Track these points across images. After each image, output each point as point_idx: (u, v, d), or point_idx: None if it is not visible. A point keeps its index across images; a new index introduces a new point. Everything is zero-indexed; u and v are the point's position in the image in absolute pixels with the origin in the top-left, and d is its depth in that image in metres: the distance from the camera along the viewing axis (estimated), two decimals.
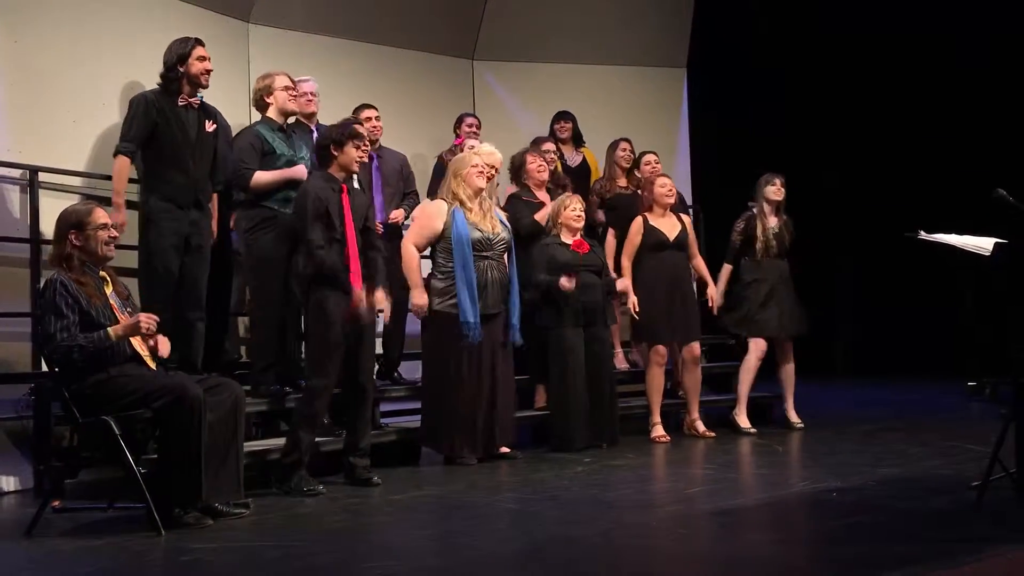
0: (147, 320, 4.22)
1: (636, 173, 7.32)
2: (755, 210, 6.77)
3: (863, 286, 11.14)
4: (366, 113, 6.27)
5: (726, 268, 6.77)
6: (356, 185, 5.37)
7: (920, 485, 4.61)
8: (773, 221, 6.75)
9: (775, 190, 6.74)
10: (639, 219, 6.58)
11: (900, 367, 10.34)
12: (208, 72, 5.30)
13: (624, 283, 6.39)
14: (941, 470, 4.95)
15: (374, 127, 6.23)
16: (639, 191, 7.16)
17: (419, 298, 5.70)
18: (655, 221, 6.56)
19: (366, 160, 5.29)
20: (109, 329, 4.17)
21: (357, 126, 5.21)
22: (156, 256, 5.14)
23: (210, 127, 5.34)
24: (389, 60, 7.89)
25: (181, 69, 5.19)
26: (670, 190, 6.62)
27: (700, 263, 6.80)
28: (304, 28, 7.42)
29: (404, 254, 5.73)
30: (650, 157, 7.15)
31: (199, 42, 5.26)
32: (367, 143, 5.23)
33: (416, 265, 5.73)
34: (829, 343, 11.20)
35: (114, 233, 4.37)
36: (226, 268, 5.86)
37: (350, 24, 7.66)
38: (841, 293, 11.41)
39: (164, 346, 4.41)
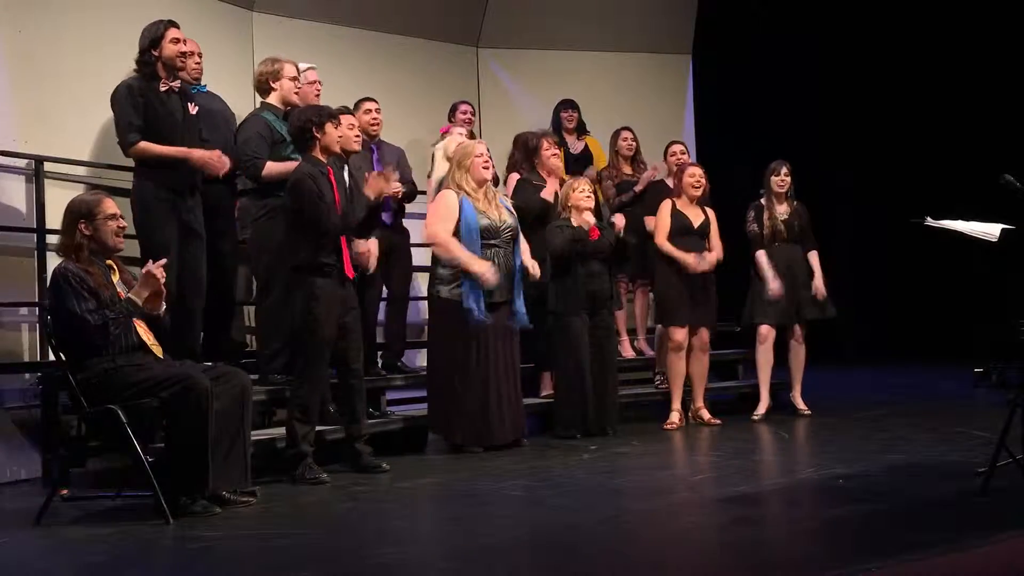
0: (156, 269, 4.21)
1: (640, 161, 7.33)
2: (762, 200, 6.77)
3: (868, 271, 11.12)
4: (366, 106, 6.24)
5: (761, 254, 6.65)
6: (346, 175, 5.32)
7: (926, 471, 4.62)
8: (781, 208, 6.75)
9: (778, 180, 6.73)
10: (668, 202, 6.58)
11: (906, 353, 10.33)
12: (183, 54, 5.17)
13: (689, 257, 6.34)
14: (947, 456, 4.95)
15: (374, 120, 6.22)
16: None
17: (480, 265, 5.56)
18: (682, 208, 6.56)
19: (357, 147, 5.22)
20: (129, 295, 4.20)
21: (327, 108, 5.15)
22: (157, 244, 5.10)
23: (192, 110, 5.25)
24: (393, 48, 7.88)
25: (155, 53, 5.06)
26: (699, 180, 6.58)
27: (716, 252, 6.66)
28: (308, 16, 7.40)
29: (441, 240, 5.62)
30: (676, 148, 7.16)
31: (172, 24, 5.10)
32: (353, 123, 5.17)
33: (457, 244, 5.61)
34: (834, 329, 11.18)
35: (123, 223, 4.37)
36: (231, 256, 5.85)
37: (354, 12, 7.65)
38: (845, 278, 11.39)
39: (157, 270, 4.31)
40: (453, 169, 5.84)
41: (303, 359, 5.05)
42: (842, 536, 3.55)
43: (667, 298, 6.48)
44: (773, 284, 6.59)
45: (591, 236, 6.18)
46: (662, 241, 6.49)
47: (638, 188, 7.17)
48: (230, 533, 3.89)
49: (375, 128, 6.23)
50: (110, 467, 4.92)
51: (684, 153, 7.16)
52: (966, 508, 3.87)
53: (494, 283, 5.59)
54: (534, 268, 5.92)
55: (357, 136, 5.28)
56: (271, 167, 5.53)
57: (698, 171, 6.65)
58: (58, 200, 4.98)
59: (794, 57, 10.53)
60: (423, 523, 4.27)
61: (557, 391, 6.27)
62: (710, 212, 6.67)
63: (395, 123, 6.67)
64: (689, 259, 6.39)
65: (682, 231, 6.50)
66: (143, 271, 4.28)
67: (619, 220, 6.35)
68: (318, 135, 5.03)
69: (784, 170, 6.76)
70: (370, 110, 6.22)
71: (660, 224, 6.53)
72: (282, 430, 5.36)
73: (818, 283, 6.73)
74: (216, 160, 5.14)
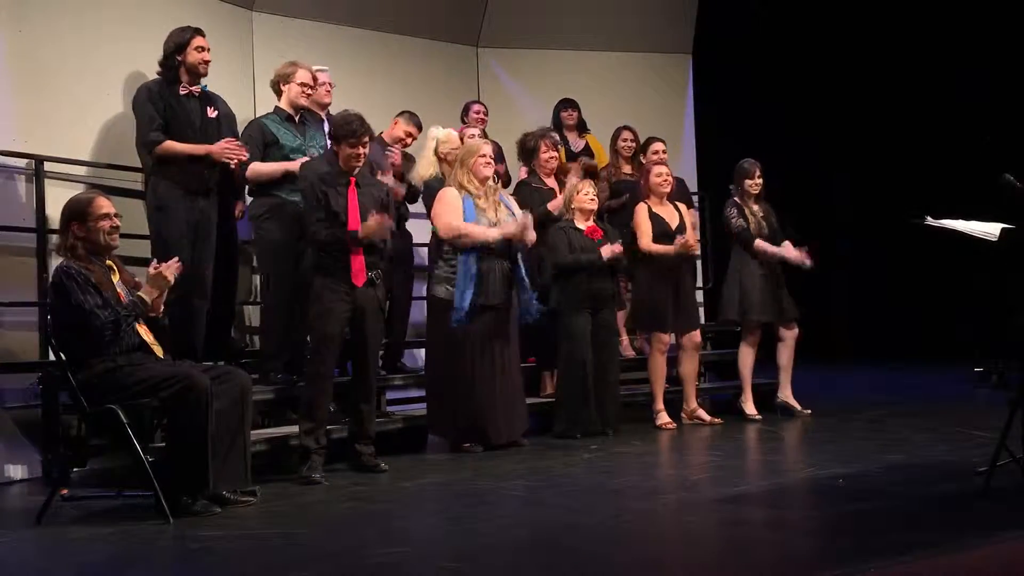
0: (168, 269, 4.24)
1: (642, 160, 7.33)
2: (736, 198, 6.78)
3: (868, 271, 11.12)
4: (407, 128, 6.30)
5: (760, 242, 6.63)
6: (367, 179, 5.30)
7: (926, 471, 4.62)
8: (755, 208, 6.77)
9: (753, 183, 6.76)
10: (643, 205, 6.58)
11: (906, 353, 10.33)
12: (206, 62, 5.28)
13: (677, 241, 6.32)
14: (947, 456, 4.96)
15: (404, 144, 6.30)
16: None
17: (505, 229, 5.63)
18: (657, 210, 6.56)
19: (359, 163, 5.18)
20: (140, 293, 4.22)
21: (353, 126, 5.02)
22: (169, 244, 5.14)
23: (212, 113, 5.34)
24: (394, 47, 7.88)
25: (179, 58, 5.20)
26: (665, 178, 6.59)
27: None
28: (308, 16, 7.40)
29: (463, 231, 5.61)
30: (657, 146, 7.15)
31: (198, 32, 5.25)
32: (364, 143, 5.05)
33: (475, 227, 5.62)
34: (833, 328, 11.19)
35: (116, 223, 4.37)
36: (232, 256, 5.86)
37: (354, 11, 7.65)
38: (844, 278, 11.39)
39: (168, 270, 4.34)
40: (456, 168, 5.85)
41: (308, 358, 5.05)
42: (842, 536, 3.55)
43: (648, 305, 6.46)
44: (795, 254, 6.60)
45: (594, 237, 6.20)
46: (647, 244, 6.45)
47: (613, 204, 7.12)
48: (230, 533, 3.89)
49: (397, 146, 6.29)
50: (110, 467, 4.92)
51: (665, 152, 7.14)
52: (966, 508, 3.87)
53: (517, 231, 5.65)
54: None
55: (356, 157, 5.16)
56: (255, 167, 5.55)
57: (664, 169, 6.66)
58: (59, 200, 4.97)
59: (794, 57, 10.54)
60: (423, 523, 4.27)
61: (558, 390, 6.27)
62: (683, 208, 6.69)
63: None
64: (673, 247, 6.32)
65: (661, 235, 6.47)
66: (151, 270, 4.28)
67: (607, 250, 6.30)
68: (335, 149, 5.08)
69: (758, 171, 6.79)
70: (411, 133, 6.30)
71: (642, 228, 6.52)
72: (283, 429, 5.39)
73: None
74: (233, 148, 5.22)
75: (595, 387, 6.16)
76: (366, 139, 5.08)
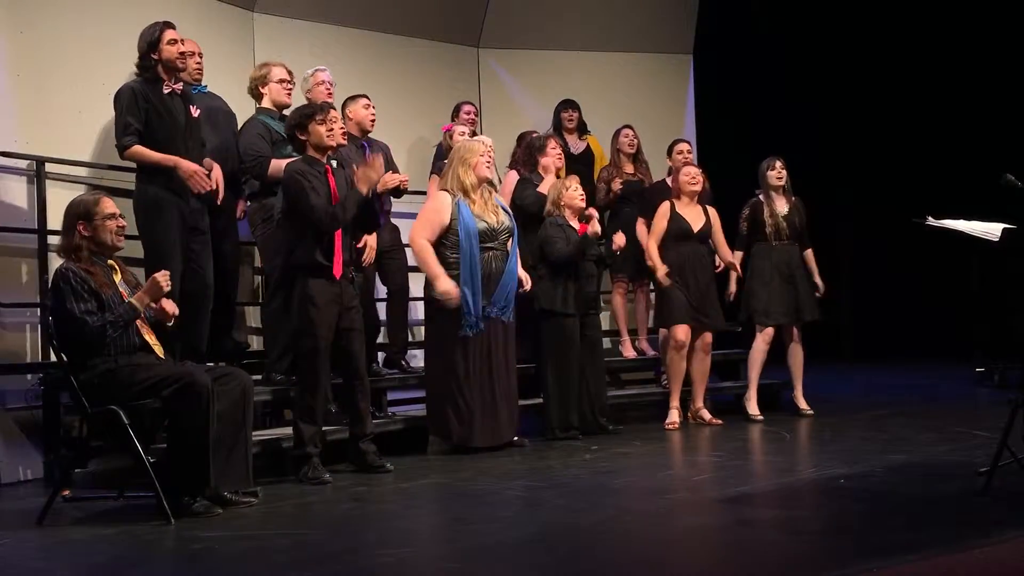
0: (163, 277, 4.24)
1: (642, 160, 7.35)
2: (760, 196, 6.77)
3: (870, 270, 11.13)
4: (364, 101, 6.20)
5: (736, 255, 6.75)
6: (335, 164, 5.33)
7: (928, 471, 4.62)
8: (781, 204, 6.75)
9: (775, 175, 6.74)
10: (666, 204, 6.59)
11: (906, 353, 10.34)
12: (182, 55, 5.15)
13: (661, 270, 6.37)
14: (949, 456, 4.96)
15: (373, 115, 6.18)
16: (643, 179, 7.20)
17: (445, 284, 5.57)
18: (681, 209, 6.57)
19: (343, 140, 5.16)
20: (131, 300, 4.21)
21: (315, 105, 5.05)
22: (163, 247, 5.11)
23: (195, 112, 5.26)
24: (394, 48, 7.88)
25: (154, 56, 5.06)
26: (694, 178, 6.61)
27: (727, 252, 6.74)
28: (309, 16, 7.40)
29: (416, 247, 5.66)
30: (683, 146, 7.16)
31: (168, 25, 5.10)
32: (334, 117, 5.07)
33: (432, 255, 5.64)
34: (836, 328, 11.19)
35: (122, 223, 4.38)
36: (233, 257, 5.86)
37: (354, 12, 7.65)
38: (847, 277, 11.39)
39: (170, 306, 4.36)
40: (455, 166, 5.82)
41: (303, 361, 5.04)
42: (842, 536, 3.56)
43: (667, 298, 6.49)
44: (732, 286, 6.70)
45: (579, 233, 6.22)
46: (650, 244, 6.50)
47: (612, 192, 7.13)
48: (232, 533, 3.90)
49: (373, 124, 6.23)
50: (112, 467, 4.92)
51: (690, 152, 7.17)
52: (966, 508, 3.87)
53: (454, 304, 5.59)
54: (527, 282, 5.98)
55: (330, 133, 5.17)
56: (277, 164, 5.54)
57: (694, 170, 6.68)
58: (59, 201, 4.99)
59: (794, 57, 10.54)
60: (424, 523, 4.27)
61: (551, 390, 6.24)
62: (712, 213, 6.67)
63: (396, 123, 6.67)
64: (660, 274, 6.41)
65: (680, 235, 6.50)
66: (150, 279, 4.28)
67: (619, 239, 6.36)
68: (303, 136, 5.05)
69: (779, 164, 6.77)
70: (368, 105, 6.19)
71: (654, 227, 6.54)
72: (285, 430, 5.39)
73: (819, 281, 6.77)
74: (201, 177, 5.03)
75: (587, 387, 6.18)
76: (330, 114, 5.05)
